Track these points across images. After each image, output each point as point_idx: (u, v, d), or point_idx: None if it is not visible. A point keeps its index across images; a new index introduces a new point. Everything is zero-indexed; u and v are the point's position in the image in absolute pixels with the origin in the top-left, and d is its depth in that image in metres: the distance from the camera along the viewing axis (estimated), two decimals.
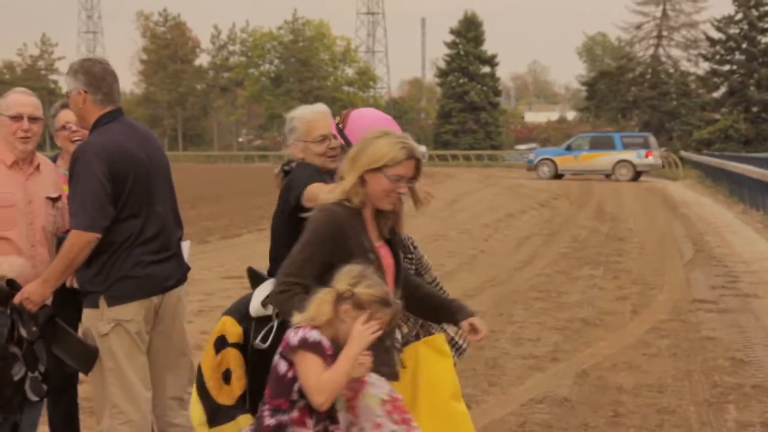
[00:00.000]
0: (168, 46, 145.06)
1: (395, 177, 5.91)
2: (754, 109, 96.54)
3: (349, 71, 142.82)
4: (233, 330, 6.53)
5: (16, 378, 6.66)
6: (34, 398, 6.80)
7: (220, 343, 6.52)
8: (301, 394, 5.51)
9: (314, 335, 5.48)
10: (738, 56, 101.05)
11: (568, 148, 66.46)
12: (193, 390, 6.69)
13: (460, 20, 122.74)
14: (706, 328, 15.08)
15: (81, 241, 6.70)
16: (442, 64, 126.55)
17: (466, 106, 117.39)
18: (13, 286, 6.62)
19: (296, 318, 5.60)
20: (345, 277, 5.62)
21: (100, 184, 6.68)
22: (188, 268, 7.33)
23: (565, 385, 11.43)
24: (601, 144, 63.88)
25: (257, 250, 21.70)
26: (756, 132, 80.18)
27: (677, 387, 11.51)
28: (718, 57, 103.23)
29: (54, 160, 7.93)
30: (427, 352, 6.44)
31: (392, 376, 6.04)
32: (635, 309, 16.66)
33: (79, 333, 6.96)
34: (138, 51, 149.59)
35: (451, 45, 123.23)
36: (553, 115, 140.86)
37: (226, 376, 6.50)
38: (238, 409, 6.51)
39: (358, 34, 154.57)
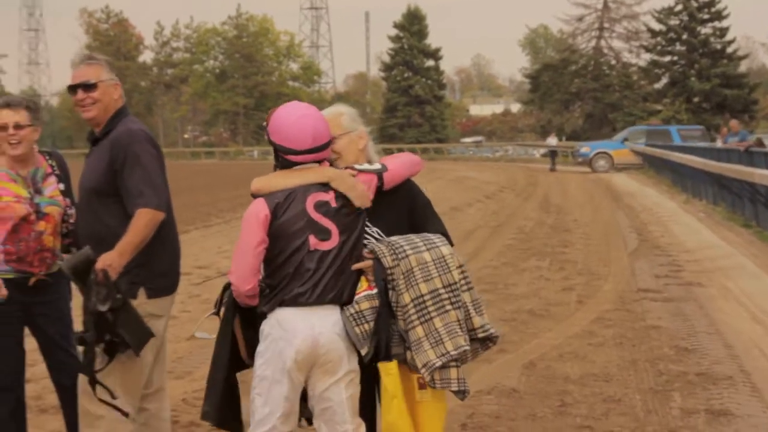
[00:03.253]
0: (111, 43, 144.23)
1: None
2: (695, 100, 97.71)
3: (294, 66, 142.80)
4: None
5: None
6: (98, 366, 6.83)
7: None
8: None
9: None
10: (679, 47, 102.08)
11: (625, 141, 66.18)
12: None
13: (404, 14, 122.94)
14: (651, 317, 15.17)
15: (155, 219, 6.86)
16: (387, 59, 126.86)
17: (411, 100, 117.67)
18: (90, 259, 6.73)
19: None
20: None
21: (160, 165, 6.97)
22: None
23: (512, 376, 11.48)
24: (658, 136, 63.34)
25: (204, 247, 21.68)
26: (697, 122, 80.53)
27: (623, 376, 11.59)
28: (659, 48, 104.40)
29: None
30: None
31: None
32: (581, 299, 16.75)
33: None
34: (81, 48, 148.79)
35: (395, 39, 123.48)
36: (498, 108, 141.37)
37: None
38: None
39: (302, 29, 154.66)
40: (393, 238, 6.44)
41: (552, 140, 75.21)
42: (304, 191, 6.33)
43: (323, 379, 6.32)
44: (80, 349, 7.08)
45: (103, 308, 6.63)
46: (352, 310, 6.27)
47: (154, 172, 6.97)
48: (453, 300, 6.32)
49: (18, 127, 7.40)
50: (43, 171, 7.58)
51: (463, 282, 6.43)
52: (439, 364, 6.20)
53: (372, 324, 6.26)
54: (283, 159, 6.49)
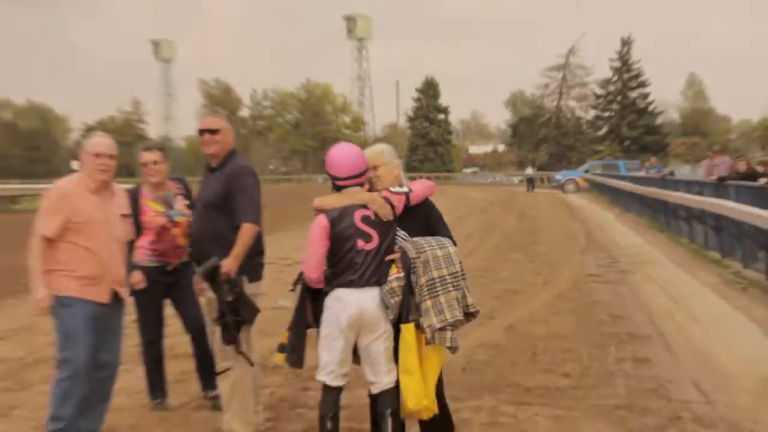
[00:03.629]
0: (219, 103, 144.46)
1: None
2: (626, 143, 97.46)
3: (346, 118, 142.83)
4: None
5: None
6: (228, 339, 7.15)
7: None
8: None
9: None
10: (615, 106, 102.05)
11: (586, 171, 65.48)
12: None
13: (423, 82, 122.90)
14: (595, 294, 15.14)
15: (254, 232, 7.12)
16: (411, 113, 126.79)
17: (428, 143, 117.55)
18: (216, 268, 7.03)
19: None
20: None
21: (259, 193, 7.23)
22: None
23: (498, 335, 11.49)
24: (610, 168, 62.25)
25: (284, 245, 21.63)
26: (627, 158, 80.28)
27: (575, 335, 11.59)
28: (601, 107, 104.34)
29: (138, 187, 8.12)
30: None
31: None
32: (546, 282, 16.70)
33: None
34: (199, 107, 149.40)
35: (417, 100, 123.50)
36: (488, 148, 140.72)
37: None
38: None
39: (351, 93, 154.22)
40: (415, 239, 6.54)
41: (529, 170, 74.77)
42: (353, 209, 6.47)
43: (368, 336, 6.44)
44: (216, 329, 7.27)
45: (230, 299, 6.97)
46: (387, 288, 6.39)
47: (255, 196, 7.21)
48: (455, 284, 6.42)
49: (155, 163, 7.97)
50: (173, 193, 8.02)
51: (462, 273, 6.53)
52: (438, 326, 6.32)
53: (399, 297, 6.36)
54: (333, 184, 6.63)
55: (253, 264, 7.29)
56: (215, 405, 7.88)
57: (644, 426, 7.54)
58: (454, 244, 6.64)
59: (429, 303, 6.38)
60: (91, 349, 6.78)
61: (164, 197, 8.01)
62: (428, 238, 6.57)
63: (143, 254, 7.93)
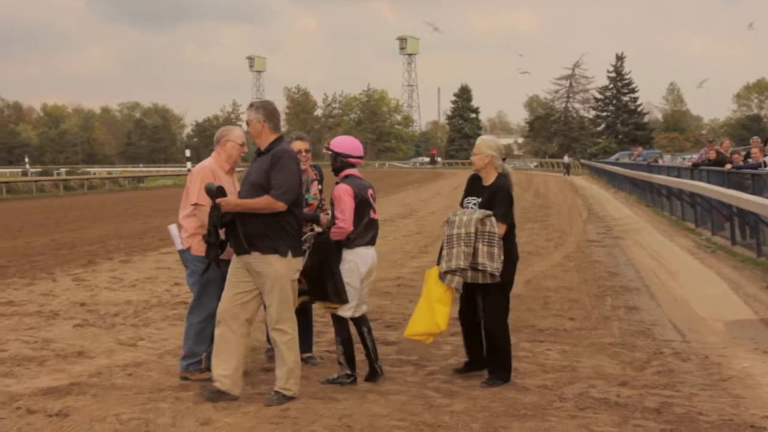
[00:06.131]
0: (299, 105, 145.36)
1: None
2: (620, 136, 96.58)
3: (398, 117, 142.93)
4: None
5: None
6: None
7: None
8: None
9: None
10: (611, 107, 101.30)
11: (617, 159, 60.69)
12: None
13: (459, 88, 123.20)
14: (595, 255, 15.03)
15: (270, 205, 6.03)
16: (449, 113, 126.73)
17: (463, 136, 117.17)
18: (221, 191, 6.15)
19: None
20: None
21: (294, 176, 6.17)
22: None
23: (518, 288, 11.33)
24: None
25: None
26: (621, 149, 79.50)
27: (579, 287, 11.50)
28: (599, 108, 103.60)
29: None
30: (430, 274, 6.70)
31: None
32: (556, 245, 16.60)
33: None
34: (283, 108, 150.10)
35: (454, 102, 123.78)
36: (510, 140, 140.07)
37: None
38: None
39: (403, 97, 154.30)
40: (467, 208, 6.80)
41: (566, 158, 71.44)
42: (366, 187, 6.76)
43: (367, 279, 6.71)
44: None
45: (214, 222, 6.24)
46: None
47: (292, 177, 6.15)
48: (467, 242, 6.45)
49: (307, 151, 7.18)
50: (311, 178, 7.30)
51: (481, 236, 6.48)
52: (445, 269, 6.51)
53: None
54: (342, 161, 6.77)
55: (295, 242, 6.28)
56: (311, 363, 7.32)
57: (634, 359, 7.46)
58: (507, 220, 6.67)
59: (444, 252, 6.57)
60: (219, 297, 6.45)
61: (305, 182, 7.16)
62: (474, 209, 6.72)
63: None
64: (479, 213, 6.57)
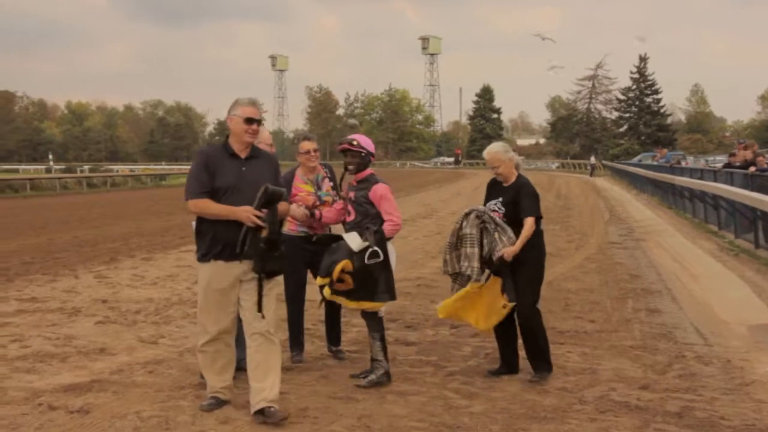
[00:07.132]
0: (321, 104, 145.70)
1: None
2: (642, 138, 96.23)
3: (420, 117, 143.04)
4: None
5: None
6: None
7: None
8: None
9: None
10: (633, 109, 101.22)
11: (639, 161, 59.73)
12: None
13: (481, 89, 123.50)
14: (616, 257, 14.93)
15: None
16: (471, 113, 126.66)
17: (484, 137, 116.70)
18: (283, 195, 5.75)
19: None
20: None
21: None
22: None
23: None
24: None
25: None
26: (643, 150, 79.17)
27: (600, 289, 11.42)
28: (622, 109, 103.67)
29: (293, 171, 7.46)
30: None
31: None
32: (577, 247, 16.50)
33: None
34: (305, 107, 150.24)
35: (476, 102, 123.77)
36: (532, 141, 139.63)
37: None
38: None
39: (424, 96, 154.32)
40: (490, 206, 6.97)
41: (592, 159, 71.38)
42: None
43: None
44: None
45: (267, 233, 5.70)
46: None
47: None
48: (471, 243, 6.75)
49: (315, 151, 7.24)
50: (322, 176, 7.35)
51: (488, 225, 6.76)
52: (450, 272, 6.85)
53: None
54: (369, 160, 6.87)
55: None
56: (339, 357, 7.49)
57: (655, 362, 7.41)
58: (534, 213, 6.94)
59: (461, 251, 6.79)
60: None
61: (314, 180, 7.35)
62: (492, 209, 6.92)
63: (293, 225, 7.29)
64: (491, 209, 6.90)
